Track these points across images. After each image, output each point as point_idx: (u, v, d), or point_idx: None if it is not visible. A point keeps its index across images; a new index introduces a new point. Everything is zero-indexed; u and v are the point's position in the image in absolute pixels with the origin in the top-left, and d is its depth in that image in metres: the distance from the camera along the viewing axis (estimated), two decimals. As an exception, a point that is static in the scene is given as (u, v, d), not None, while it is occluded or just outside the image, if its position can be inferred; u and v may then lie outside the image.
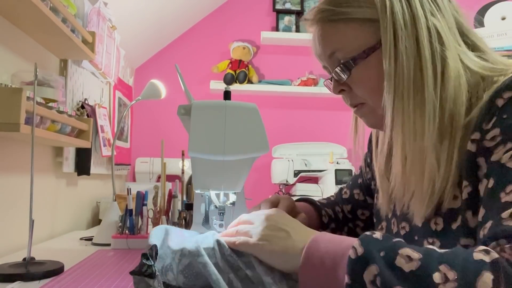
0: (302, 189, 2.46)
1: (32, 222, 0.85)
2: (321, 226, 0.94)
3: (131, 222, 1.21)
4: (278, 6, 2.78)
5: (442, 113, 0.60)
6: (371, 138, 0.89)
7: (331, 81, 0.74)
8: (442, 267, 0.46)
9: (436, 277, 0.45)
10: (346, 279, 0.50)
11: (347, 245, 0.53)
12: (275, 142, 2.58)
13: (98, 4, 1.67)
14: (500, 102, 0.56)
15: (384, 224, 0.82)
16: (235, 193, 0.85)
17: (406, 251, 0.49)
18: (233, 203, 0.84)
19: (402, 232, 0.73)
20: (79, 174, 1.61)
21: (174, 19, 2.52)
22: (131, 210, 1.22)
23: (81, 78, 1.65)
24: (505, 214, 0.50)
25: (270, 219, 0.65)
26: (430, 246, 0.51)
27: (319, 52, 0.73)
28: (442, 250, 0.50)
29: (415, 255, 0.48)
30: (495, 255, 0.46)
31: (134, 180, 2.53)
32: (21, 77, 1.11)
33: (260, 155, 0.77)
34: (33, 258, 0.89)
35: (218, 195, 0.84)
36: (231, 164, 0.77)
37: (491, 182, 0.54)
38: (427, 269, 0.46)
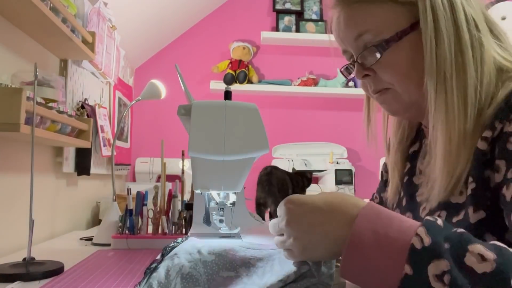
0: (302, 189, 2.46)
1: (32, 222, 0.85)
2: None
3: (131, 222, 1.21)
4: (278, 6, 2.78)
5: (481, 97, 0.60)
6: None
7: (353, 66, 0.71)
8: None
9: None
10: (408, 269, 0.46)
11: (407, 227, 0.48)
12: (275, 142, 2.58)
13: (98, 4, 1.67)
14: None
15: None
16: (235, 193, 0.85)
17: (477, 248, 0.45)
18: (233, 203, 0.84)
19: None
20: (79, 174, 1.61)
21: (174, 19, 2.52)
22: (131, 210, 1.22)
23: (81, 78, 1.65)
24: None
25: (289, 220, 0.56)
26: (499, 243, 0.47)
27: (343, 34, 0.69)
28: None
29: (489, 254, 0.44)
30: None
31: (134, 180, 2.53)
32: (21, 77, 1.11)
33: (260, 155, 0.77)
34: (33, 258, 0.89)
35: (218, 195, 0.84)
36: (231, 164, 0.77)
37: None
38: (503, 273, 0.42)
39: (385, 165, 0.94)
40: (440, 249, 0.45)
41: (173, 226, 1.25)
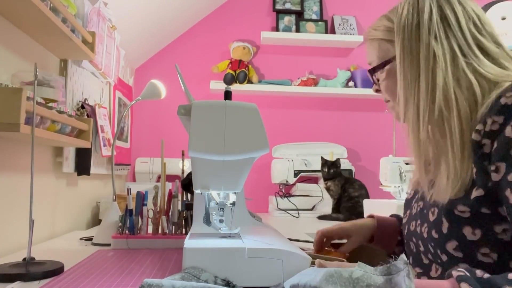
0: (302, 189, 2.46)
1: (32, 222, 0.85)
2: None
3: (131, 222, 1.21)
4: (278, 6, 2.78)
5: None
6: None
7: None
8: None
9: None
10: None
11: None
12: (275, 142, 2.58)
13: (98, 4, 1.67)
14: (503, 101, 0.66)
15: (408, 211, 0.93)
16: (235, 193, 0.85)
17: None
18: (233, 203, 0.84)
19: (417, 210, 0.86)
20: (79, 174, 1.61)
21: (174, 19, 2.52)
22: (131, 210, 1.22)
23: (81, 78, 1.65)
24: None
25: None
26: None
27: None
28: None
29: None
30: None
31: (134, 180, 2.53)
32: (21, 77, 1.11)
33: (260, 155, 0.77)
34: (33, 258, 0.89)
35: (218, 195, 0.85)
36: (231, 164, 0.77)
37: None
38: None
39: None
40: None
41: (173, 226, 1.25)
